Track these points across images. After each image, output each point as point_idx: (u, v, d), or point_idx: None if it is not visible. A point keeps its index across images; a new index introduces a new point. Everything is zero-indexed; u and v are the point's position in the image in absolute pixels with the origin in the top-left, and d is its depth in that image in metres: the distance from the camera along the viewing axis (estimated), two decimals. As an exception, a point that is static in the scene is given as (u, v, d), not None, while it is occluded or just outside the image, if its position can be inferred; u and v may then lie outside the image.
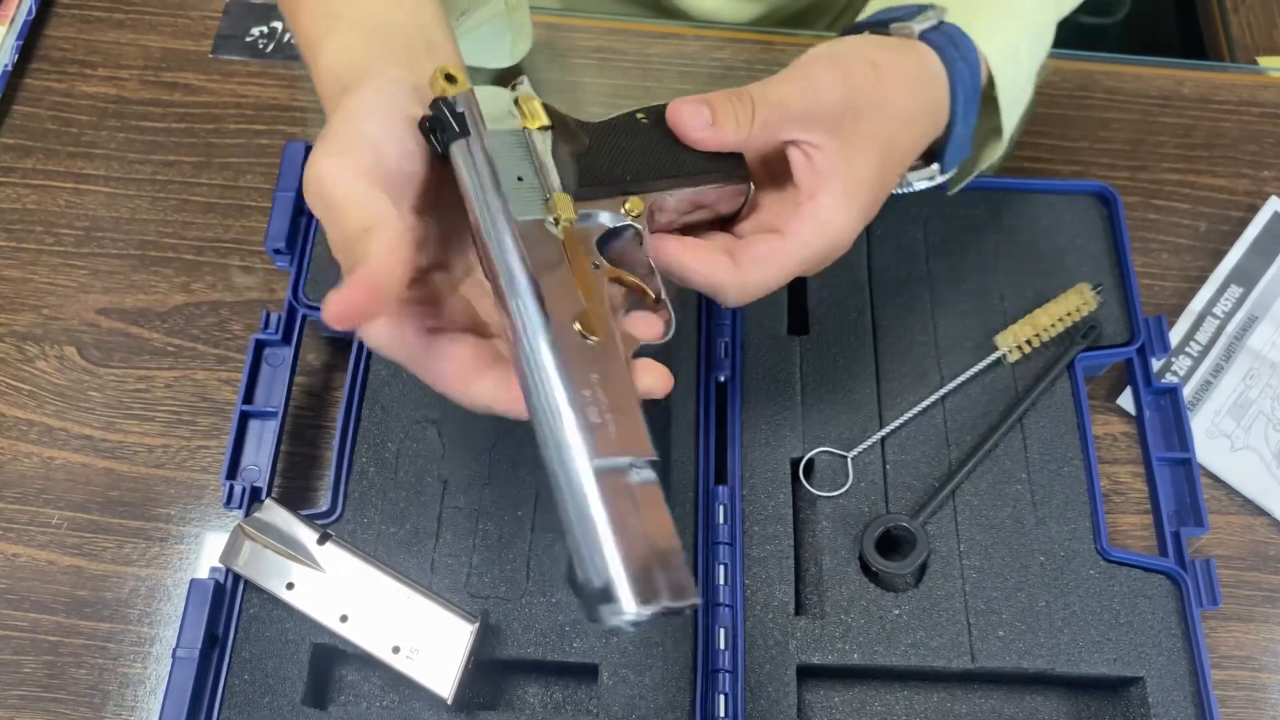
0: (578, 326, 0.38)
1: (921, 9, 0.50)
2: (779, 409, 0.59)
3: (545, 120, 0.42)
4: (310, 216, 0.61)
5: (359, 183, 0.39)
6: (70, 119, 0.70)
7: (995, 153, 0.55)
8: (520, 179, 0.41)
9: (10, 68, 0.70)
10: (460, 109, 0.40)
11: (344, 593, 0.52)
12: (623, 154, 0.44)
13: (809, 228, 0.44)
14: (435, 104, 0.40)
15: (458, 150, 0.40)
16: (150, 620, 0.57)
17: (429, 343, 0.40)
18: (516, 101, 0.43)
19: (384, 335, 0.39)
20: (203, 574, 0.54)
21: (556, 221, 0.41)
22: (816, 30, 0.83)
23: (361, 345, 0.58)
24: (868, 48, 0.47)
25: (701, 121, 0.44)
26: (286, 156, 0.62)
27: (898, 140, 0.46)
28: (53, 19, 0.73)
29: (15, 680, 0.55)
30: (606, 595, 0.35)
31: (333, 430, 0.61)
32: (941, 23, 0.50)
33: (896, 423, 0.59)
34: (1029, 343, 0.60)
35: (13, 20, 0.71)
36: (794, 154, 0.45)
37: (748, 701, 0.52)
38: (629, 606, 0.34)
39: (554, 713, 0.54)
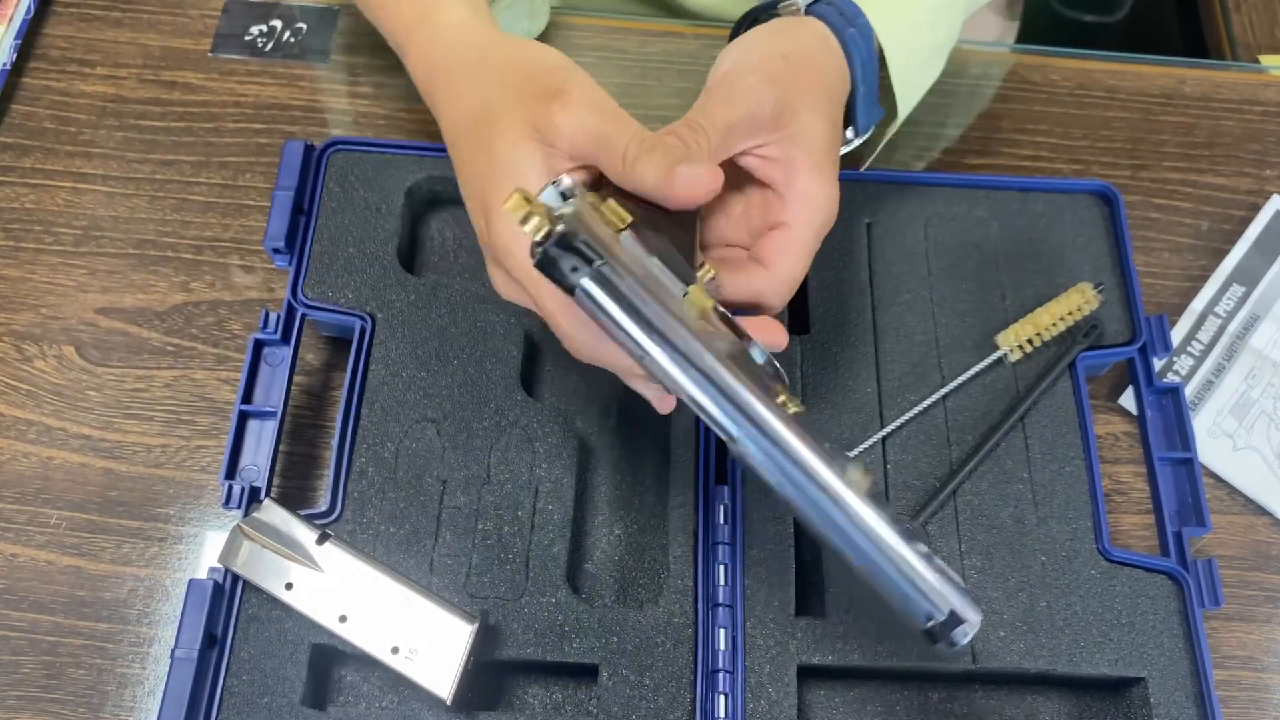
0: (793, 410, 0.40)
1: None
2: (779, 408, 0.58)
3: (628, 217, 0.39)
4: (309, 215, 0.61)
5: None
6: (69, 118, 0.70)
7: (890, 126, 0.60)
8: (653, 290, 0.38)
9: (9, 66, 0.70)
10: (576, 238, 0.36)
11: (343, 593, 0.51)
12: (661, 223, 0.43)
13: (802, 209, 0.48)
14: (544, 248, 0.36)
15: (593, 284, 0.37)
16: (149, 620, 0.57)
17: None
18: (564, 196, 0.42)
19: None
20: (201, 574, 0.54)
21: (702, 316, 0.39)
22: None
23: (361, 345, 0.58)
24: (771, 42, 0.51)
25: (701, 188, 0.43)
26: (286, 155, 0.62)
27: (828, 109, 0.50)
28: (51, 17, 0.73)
29: (13, 680, 0.55)
30: (954, 620, 0.40)
31: (332, 430, 0.61)
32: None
33: (897, 422, 0.59)
34: (1030, 342, 0.60)
35: (11, 19, 0.71)
36: (750, 160, 0.49)
37: (748, 702, 0.52)
38: (975, 616, 0.40)
39: (554, 713, 0.54)
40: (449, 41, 0.51)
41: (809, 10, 0.53)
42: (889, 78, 0.56)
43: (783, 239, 0.48)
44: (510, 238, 0.44)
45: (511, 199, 0.37)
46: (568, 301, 0.38)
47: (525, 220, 0.36)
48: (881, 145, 0.61)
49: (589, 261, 0.36)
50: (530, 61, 0.47)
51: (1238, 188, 0.72)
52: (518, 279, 0.45)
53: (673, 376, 0.38)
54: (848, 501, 0.39)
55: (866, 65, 0.53)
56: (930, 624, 0.40)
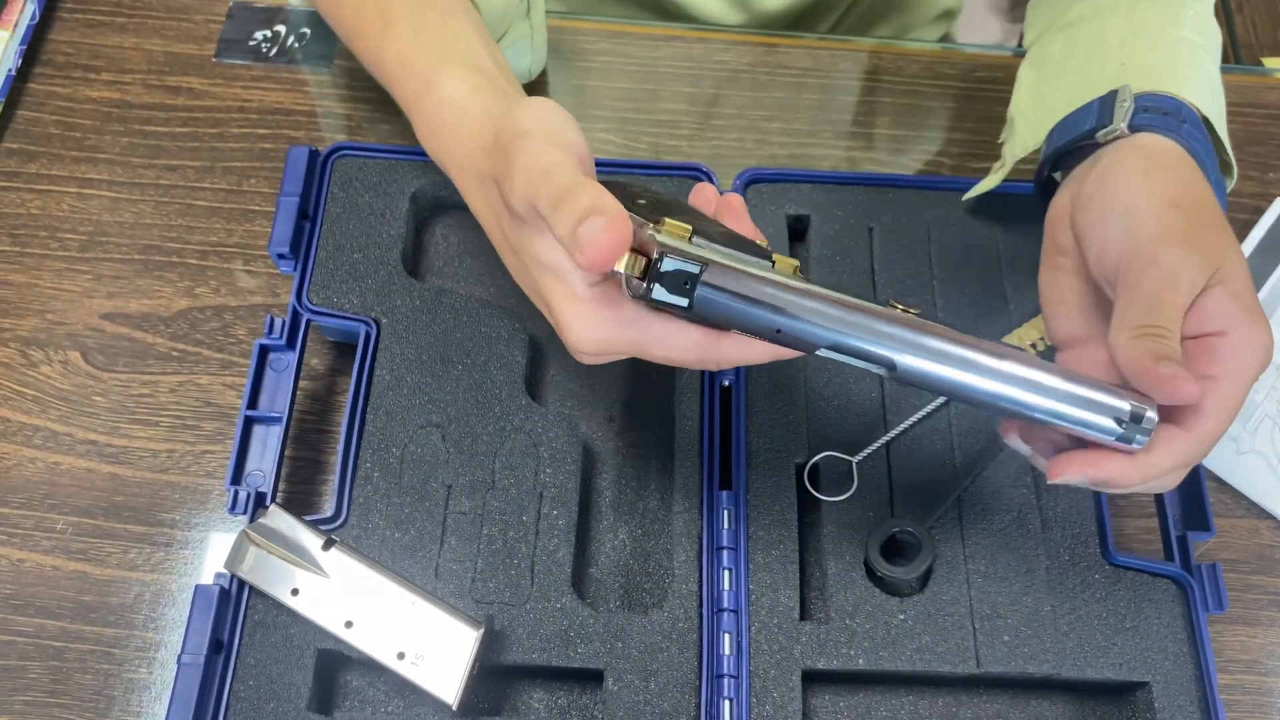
0: (916, 313, 0.43)
1: (1106, 100, 0.51)
2: (784, 414, 0.59)
3: (688, 226, 0.41)
4: (313, 221, 0.61)
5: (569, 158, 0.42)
6: (74, 123, 0.70)
7: (1231, 181, 0.57)
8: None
9: (14, 72, 0.70)
10: (675, 249, 0.39)
11: (349, 598, 0.52)
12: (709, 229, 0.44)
13: (1238, 361, 0.44)
14: (657, 266, 0.39)
15: (718, 275, 0.39)
16: (155, 625, 0.57)
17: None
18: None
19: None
20: (207, 579, 0.54)
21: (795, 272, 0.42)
22: (819, 34, 0.83)
23: (365, 351, 0.58)
24: (1145, 193, 0.47)
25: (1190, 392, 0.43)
26: (290, 160, 0.62)
27: (1232, 236, 0.47)
28: (56, 23, 0.73)
29: (20, 686, 0.55)
30: (1137, 414, 0.43)
31: (337, 435, 0.61)
32: (1136, 101, 0.51)
33: (901, 427, 0.59)
34: (1035, 346, 0.60)
35: (16, 25, 0.71)
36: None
37: (753, 707, 0.52)
38: (1151, 404, 0.43)
39: (559, 718, 0.54)
40: (449, 126, 0.51)
41: (1134, 127, 0.50)
42: (1216, 139, 0.54)
43: (1207, 395, 0.43)
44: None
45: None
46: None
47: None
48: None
49: (699, 261, 0.39)
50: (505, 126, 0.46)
51: (1242, 191, 0.72)
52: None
53: (822, 325, 0.40)
54: (1017, 373, 0.42)
55: (1207, 152, 0.51)
56: (1122, 429, 0.43)
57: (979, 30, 0.93)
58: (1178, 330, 0.44)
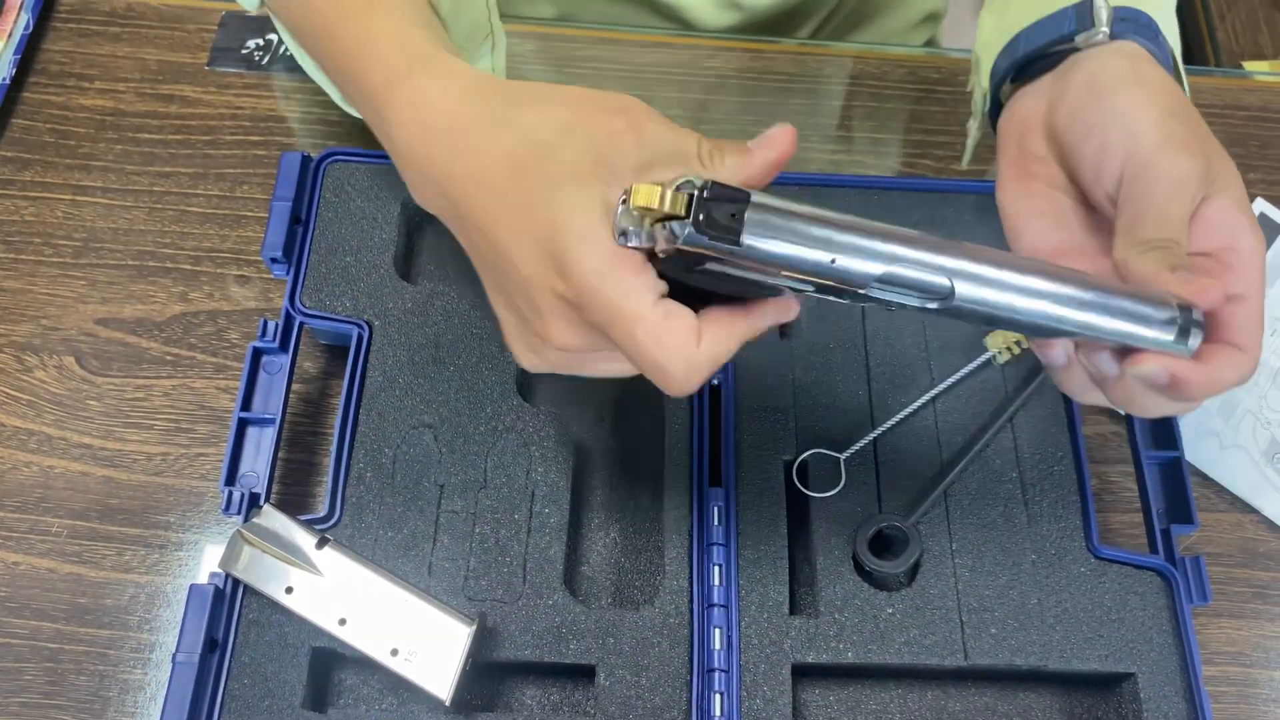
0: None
1: (1082, 7, 0.49)
2: (772, 411, 0.59)
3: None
4: (306, 225, 0.62)
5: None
6: (68, 131, 0.71)
7: None
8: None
9: (8, 81, 0.71)
10: (717, 187, 0.37)
11: (342, 596, 0.52)
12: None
13: (1256, 271, 0.44)
14: (700, 202, 0.36)
15: (761, 209, 0.37)
16: (150, 626, 0.57)
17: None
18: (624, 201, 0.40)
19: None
20: (202, 579, 0.54)
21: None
22: (800, 39, 0.84)
23: (358, 353, 0.58)
24: (1143, 101, 0.46)
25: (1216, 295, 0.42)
26: (283, 166, 0.62)
27: (1221, 148, 0.47)
28: (50, 33, 0.74)
29: (16, 688, 0.56)
30: (1186, 314, 0.41)
31: (330, 437, 0.61)
32: (1113, 9, 0.49)
33: (888, 424, 0.59)
34: (1019, 344, 0.61)
35: (10, 34, 0.71)
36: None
37: (743, 701, 0.52)
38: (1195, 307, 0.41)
39: (551, 714, 0.55)
40: (462, 90, 0.44)
41: (1114, 35, 0.49)
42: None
43: (1244, 313, 0.43)
44: (605, 260, 0.39)
45: (641, 190, 0.37)
46: (665, 311, 0.39)
47: (660, 200, 0.37)
48: None
49: (741, 200, 0.37)
50: (572, 92, 0.43)
51: (1222, 191, 0.73)
52: (606, 314, 0.39)
53: (879, 250, 0.38)
54: (1075, 294, 0.40)
55: (1175, 75, 0.50)
56: (1175, 329, 0.41)
57: (964, 34, 0.94)
58: (1185, 241, 0.43)
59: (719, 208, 0.36)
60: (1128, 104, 0.46)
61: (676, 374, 0.39)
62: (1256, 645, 0.60)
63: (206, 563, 0.59)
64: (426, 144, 0.44)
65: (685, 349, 0.39)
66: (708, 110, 0.74)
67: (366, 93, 0.46)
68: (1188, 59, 1.21)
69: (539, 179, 0.40)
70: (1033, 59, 0.51)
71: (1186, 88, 0.53)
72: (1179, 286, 0.41)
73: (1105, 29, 0.48)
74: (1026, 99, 0.50)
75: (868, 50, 0.78)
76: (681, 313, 0.39)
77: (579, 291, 0.39)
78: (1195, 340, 0.41)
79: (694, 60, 0.76)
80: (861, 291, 0.39)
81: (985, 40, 0.57)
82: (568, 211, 0.39)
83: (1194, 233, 0.44)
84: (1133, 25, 0.49)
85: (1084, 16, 0.49)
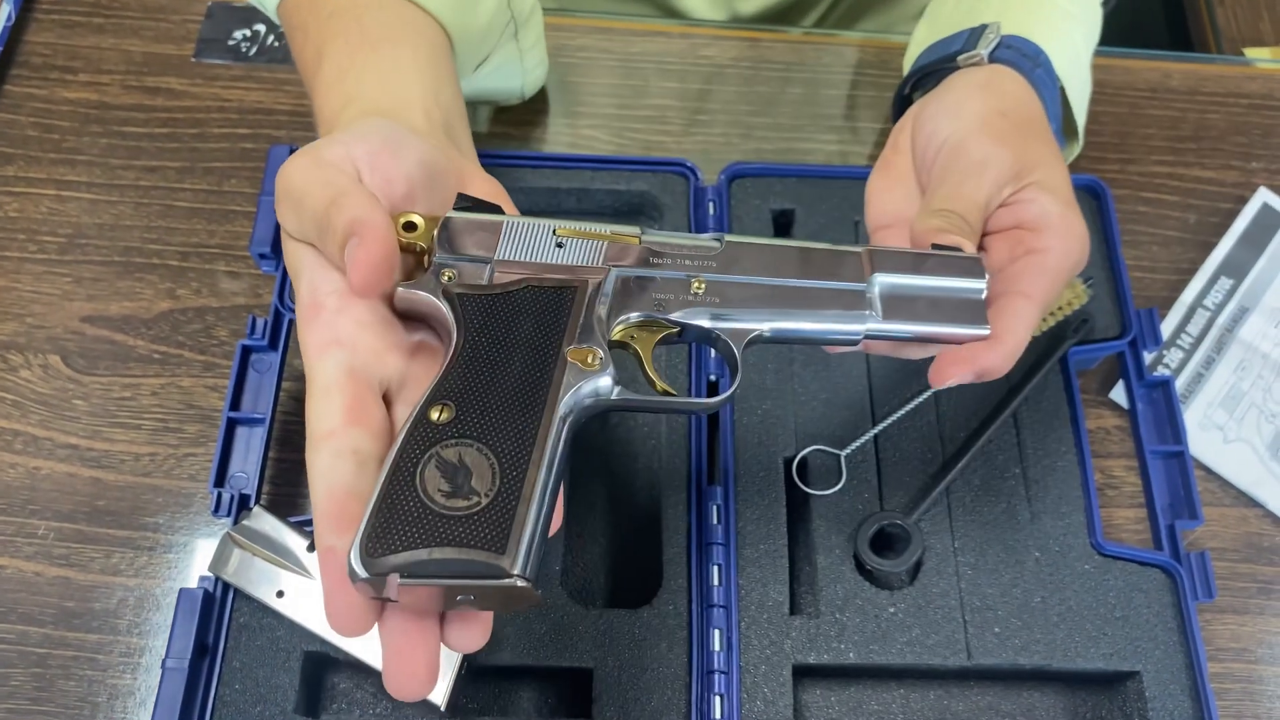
0: None
1: (975, 31, 0.55)
2: (772, 409, 0.58)
3: None
4: (296, 220, 0.60)
5: (320, 170, 0.39)
6: (52, 125, 0.69)
7: (1074, 150, 0.62)
8: None
9: (-10, 74, 0.70)
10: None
11: (335, 600, 0.51)
12: None
13: (1062, 237, 0.48)
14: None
15: None
16: (139, 630, 0.56)
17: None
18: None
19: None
20: (192, 583, 0.53)
21: None
22: (803, 27, 0.83)
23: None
24: (981, 99, 0.52)
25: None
26: (271, 160, 0.61)
27: (1057, 155, 0.51)
28: (33, 24, 0.73)
29: (4, 693, 0.55)
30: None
31: (321, 436, 0.60)
32: (1001, 39, 0.54)
33: (889, 420, 0.58)
34: (1021, 337, 0.60)
35: (-8, 26, 0.70)
36: (997, 214, 0.50)
37: (743, 703, 0.51)
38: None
39: (548, 717, 0.54)
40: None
41: (993, 59, 0.54)
42: (1068, 108, 0.58)
43: (1038, 263, 0.47)
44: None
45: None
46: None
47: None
48: None
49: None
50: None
51: (1224, 180, 0.72)
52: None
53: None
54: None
55: (1053, 103, 0.54)
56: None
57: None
58: (972, 219, 0.47)
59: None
60: (962, 99, 0.52)
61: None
62: (1261, 641, 0.59)
63: (197, 565, 0.58)
64: None
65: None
66: (705, 100, 0.73)
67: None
68: (1187, 45, 1.20)
69: None
70: (929, 72, 0.57)
71: (1081, 119, 0.60)
72: (936, 236, 0.46)
73: (983, 51, 0.54)
74: (912, 106, 0.55)
75: (867, 39, 0.77)
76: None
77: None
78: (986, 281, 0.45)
79: (690, 49, 0.74)
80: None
81: (911, 50, 0.64)
82: None
83: (1003, 214, 0.49)
84: (1016, 53, 0.54)
85: (973, 40, 0.55)
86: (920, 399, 0.59)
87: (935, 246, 0.46)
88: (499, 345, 0.39)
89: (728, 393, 0.43)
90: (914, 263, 0.45)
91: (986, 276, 0.46)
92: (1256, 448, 0.64)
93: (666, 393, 0.42)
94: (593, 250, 0.42)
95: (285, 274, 0.59)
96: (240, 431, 0.57)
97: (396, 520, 0.35)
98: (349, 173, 0.40)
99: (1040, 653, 0.53)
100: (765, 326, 0.43)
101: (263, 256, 0.60)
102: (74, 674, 0.55)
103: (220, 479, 0.55)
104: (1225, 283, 0.68)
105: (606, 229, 0.42)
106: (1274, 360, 0.66)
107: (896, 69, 0.75)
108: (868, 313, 0.44)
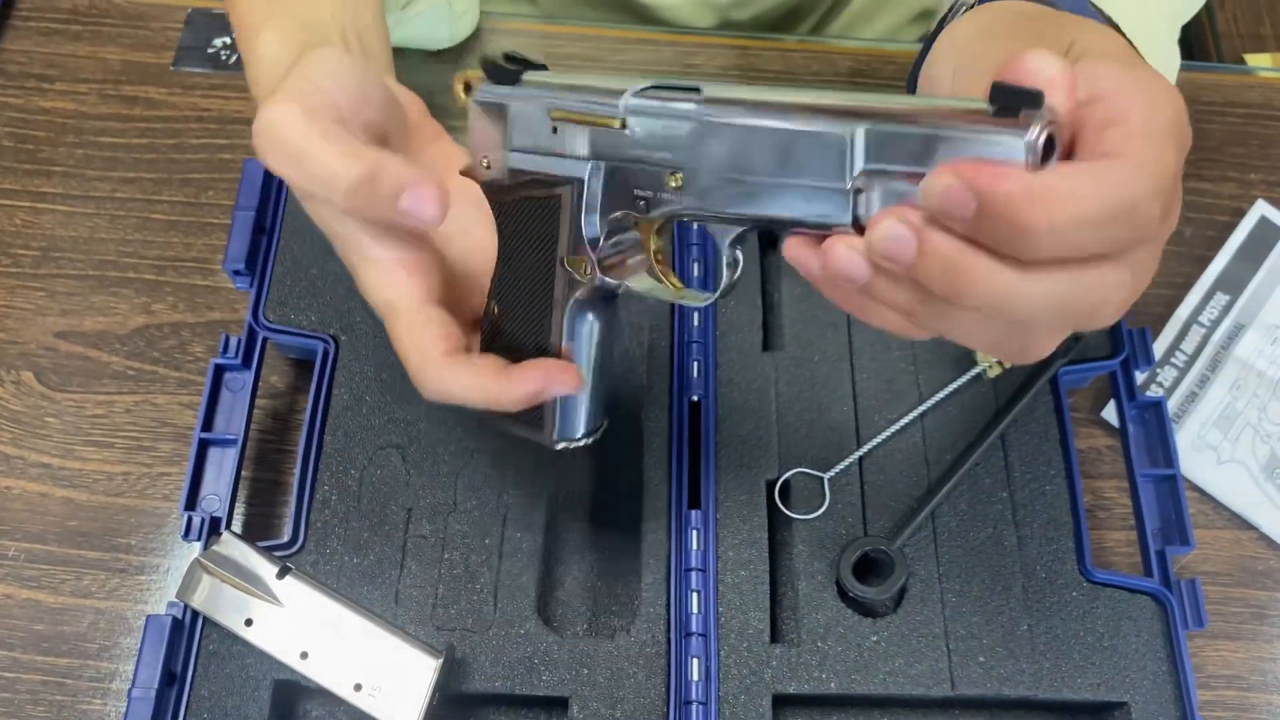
0: None
1: None
2: (754, 429, 0.57)
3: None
4: (270, 235, 0.59)
5: (318, 123, 0.41)
6: (26, 135, 0.68)
7: None
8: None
9: (-35, 83, 0.69)
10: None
11: (304, 628, 0.50)
12: None
13: (1138, 95, 0.34)
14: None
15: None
16: (109, 655, 0.55)
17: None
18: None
19: None
20: (163, 607, 0.52)
21: None
22: (797, 35, 0.81)
23: (324, 370, 0.56)
24: (971, 26, 0.47)
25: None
26: (246, 174, 0.60)
27: (1074, 18, 0.44)
28: (8, 32, 0.71)
29: (-29, 719, 0.54)
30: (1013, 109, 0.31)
31: (296, 454, 0.59)
32: None
33: (874, 441, 0.57)
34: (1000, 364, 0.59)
35: (-33, 34, 0.69)
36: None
37: (722, 734, 0.50)
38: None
39: (524, 746, 0.53)
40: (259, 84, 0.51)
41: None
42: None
43: (1122, 130, 0.33)
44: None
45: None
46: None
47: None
48: None
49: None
50: None
51: (1221, 193, 0.71)
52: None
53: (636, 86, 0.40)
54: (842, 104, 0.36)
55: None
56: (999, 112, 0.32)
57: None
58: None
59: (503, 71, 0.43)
60: (957, 41, 0.48)
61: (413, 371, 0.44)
62: (1254, 668, 0.58)
63: (169, 588, 0.57)
64: None
65: (429, 354, 0.44)
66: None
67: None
68: (1186, 49, 1.18)
69: None
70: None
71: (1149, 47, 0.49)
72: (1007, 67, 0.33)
73: None
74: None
75: (859, 47, 0.75)
76: (441, 320, 0.44)
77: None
78: (1035, 134, 0.31)
79: (677, 58, 0.73)
80: (624, 128, 0.40)
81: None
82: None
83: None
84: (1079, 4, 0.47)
85: None
86: (907, 420, 0.58)
87: (995, 91, 0.32)
88: (517, 249, 0.45)
89: (724, 286, 0.42)
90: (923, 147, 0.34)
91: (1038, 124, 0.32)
92: (1251, 469, 0.62)
93: (674, 286, 0.43)
94: (579, 136, 0.41)
95: (260, 290, 0.58)
96: (212, 453, 0.56)
97: None
98: (340, 120, 0.43)
99: (1025, 683, 0.52)
100: (748, 216, 0.38)
101: (237, 273, 0.59)
102: (43, 699, 0.54)
103: (191, 502, 0.54)
104: (1221, 298, 0.67)
105: (594, 105, 0.40)
106: (1270, 379, 0.65)
107: (890, 78, 0.74)
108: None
